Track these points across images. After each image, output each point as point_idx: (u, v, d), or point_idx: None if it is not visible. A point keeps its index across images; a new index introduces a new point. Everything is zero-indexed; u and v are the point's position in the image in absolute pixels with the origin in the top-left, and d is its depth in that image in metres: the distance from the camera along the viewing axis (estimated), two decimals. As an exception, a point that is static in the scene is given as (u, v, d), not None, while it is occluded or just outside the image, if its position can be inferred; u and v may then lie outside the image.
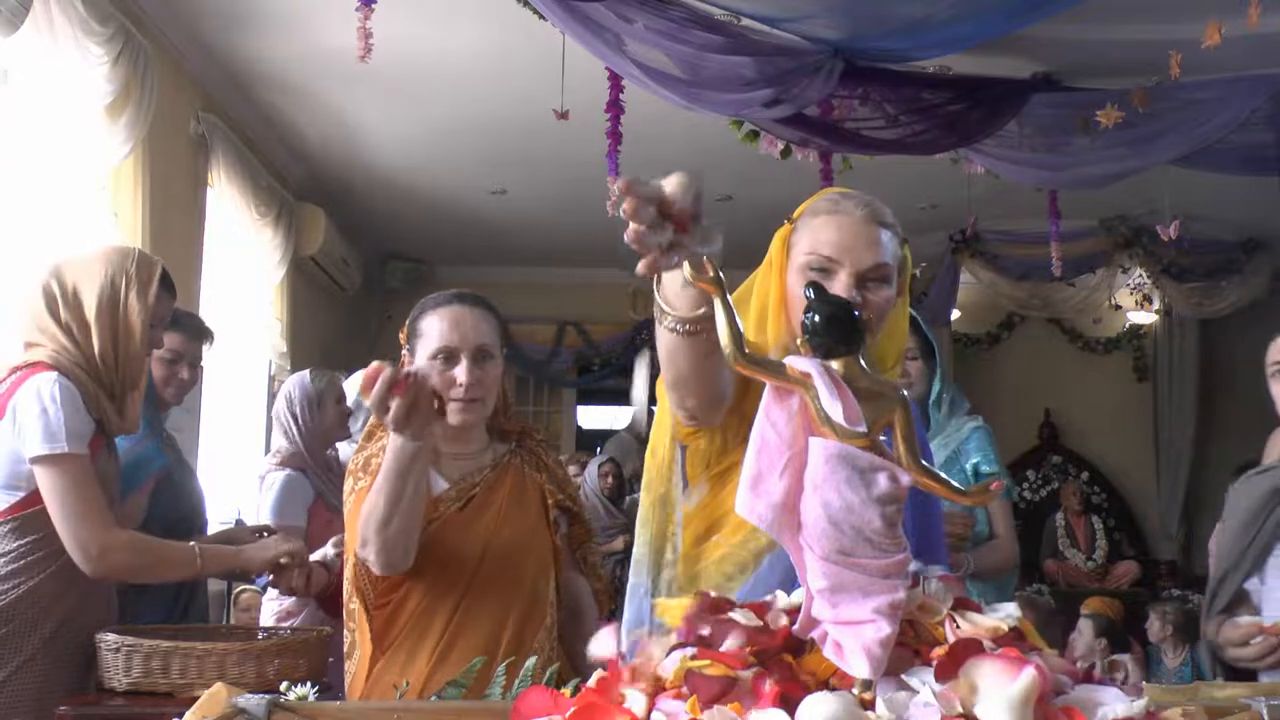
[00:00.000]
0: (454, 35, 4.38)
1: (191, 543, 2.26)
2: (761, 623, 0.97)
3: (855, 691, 0.85)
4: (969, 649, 0.84)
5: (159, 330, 2.37)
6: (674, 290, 1.24)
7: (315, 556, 2.86)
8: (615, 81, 4.13)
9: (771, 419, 0.93)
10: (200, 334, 2.93)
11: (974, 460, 2.93)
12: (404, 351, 2.00)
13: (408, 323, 2.02)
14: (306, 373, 3.38)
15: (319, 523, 3.13)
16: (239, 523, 4.50)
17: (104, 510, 2.10)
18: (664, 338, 1.30)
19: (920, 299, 7.62)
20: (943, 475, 0.98)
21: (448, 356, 1.92)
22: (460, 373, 1.91)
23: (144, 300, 2.25)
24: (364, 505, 1.79)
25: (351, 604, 1.94)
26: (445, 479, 1.96)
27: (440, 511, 1.91)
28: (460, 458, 1.99)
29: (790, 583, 1.01)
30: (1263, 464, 2.37)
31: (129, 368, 2.24)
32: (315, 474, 3.24)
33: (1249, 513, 2.23)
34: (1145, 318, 8.16)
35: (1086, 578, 6.76)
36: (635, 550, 1.64)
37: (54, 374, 2.10)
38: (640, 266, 1.00)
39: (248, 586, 4.13)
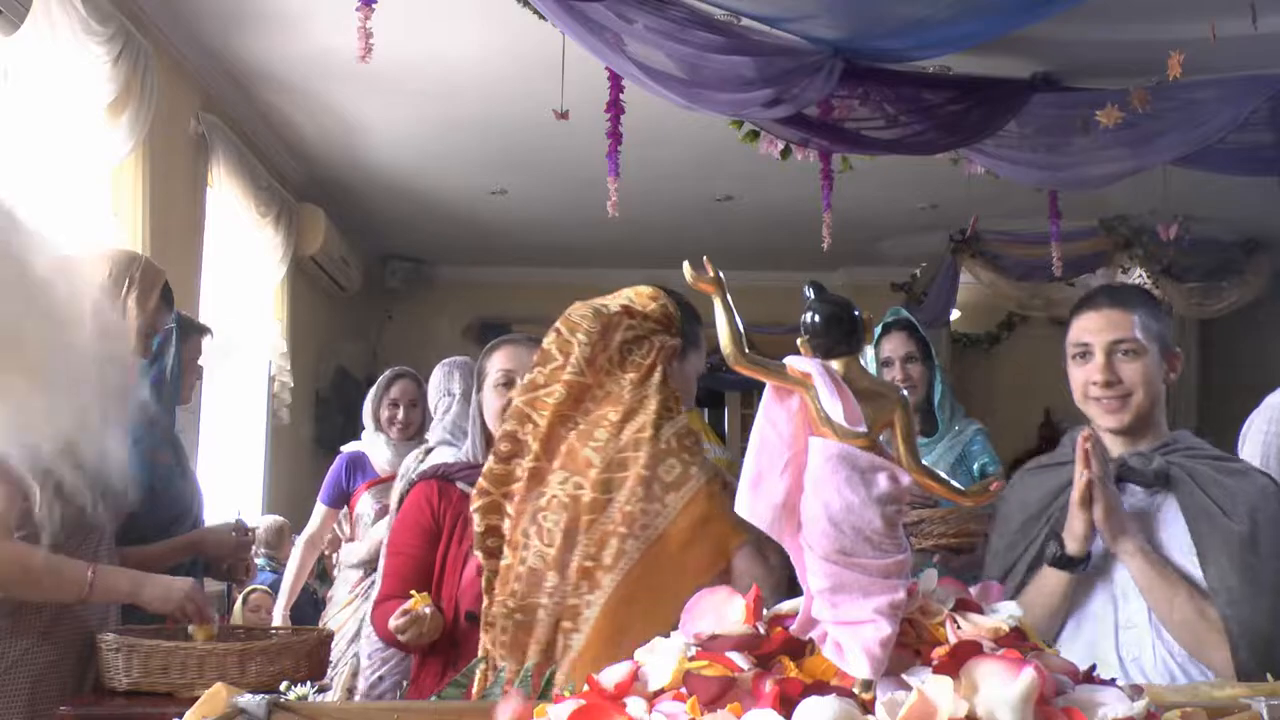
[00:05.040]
0: (454, 35, 4.38)
1: (90, 568, 2.06)
2: (759, 625, 0.97)
3: (855, 691, 0.85)
4: (969, 649, 0.84)
5: (151, 339, 2.37)
6: None
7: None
8: (615, 81, 4.13)
9: (771, 419, 0.93)
10: (202, 331, 2.95)
11: (981, 461, 3.01)
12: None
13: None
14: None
15: None
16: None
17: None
18: None
19: (920, 299, 7.62)
20: (942, 475, 0.98)
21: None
22: None
23: (143, 306, 2.26)
24: None
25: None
26: None
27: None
28: None
29: None
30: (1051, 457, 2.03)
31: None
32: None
33: (1027, 511, 1.94)
34: (1145, 318, 8.15)
35: (1087, 578, 6.75)
36: None
37: None
38: None
39: (257, 586, 4.13)
